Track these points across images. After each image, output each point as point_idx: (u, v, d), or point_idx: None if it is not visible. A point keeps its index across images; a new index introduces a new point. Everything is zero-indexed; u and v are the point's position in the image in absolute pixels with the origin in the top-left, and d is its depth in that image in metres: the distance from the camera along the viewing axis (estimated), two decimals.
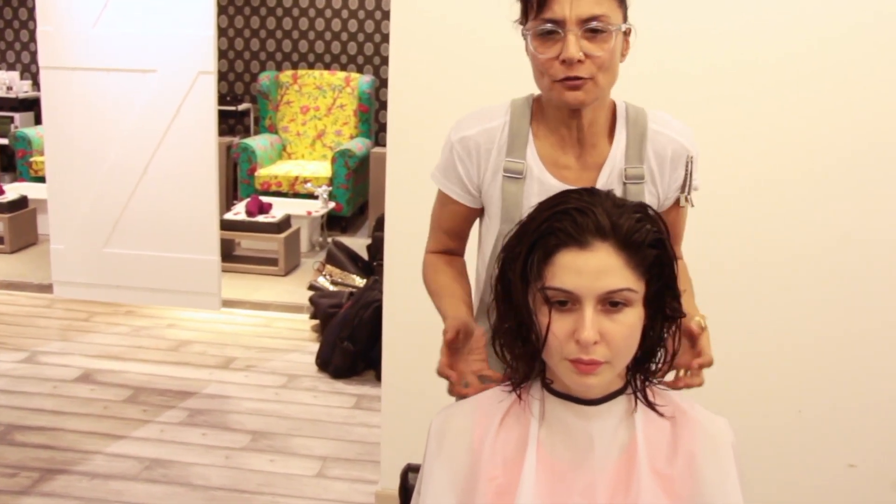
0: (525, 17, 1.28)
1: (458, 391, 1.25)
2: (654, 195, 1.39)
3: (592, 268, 1.00)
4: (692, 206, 1.43)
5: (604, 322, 1.01)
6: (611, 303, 1.01)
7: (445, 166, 1.44)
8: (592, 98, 1.27)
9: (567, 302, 1.01)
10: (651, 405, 1.09)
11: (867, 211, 2.17)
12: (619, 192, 1.33)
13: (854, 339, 2.25)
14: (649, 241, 1.03)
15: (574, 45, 1.21)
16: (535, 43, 1.25)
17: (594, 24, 1.21)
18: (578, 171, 1.36)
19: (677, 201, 1.42)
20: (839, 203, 2.17)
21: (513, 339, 1.10)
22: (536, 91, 1.39)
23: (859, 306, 2.23)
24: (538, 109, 1.38)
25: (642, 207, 1.06)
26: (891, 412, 2.29)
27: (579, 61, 1.22)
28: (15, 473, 2.73)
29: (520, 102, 1.40)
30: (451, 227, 1.49)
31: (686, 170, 1.37)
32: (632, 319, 1.02)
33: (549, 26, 1.22)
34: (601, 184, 1.35)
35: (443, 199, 1.49)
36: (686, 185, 1.39)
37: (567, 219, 1.02)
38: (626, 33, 1.28)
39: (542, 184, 1.34)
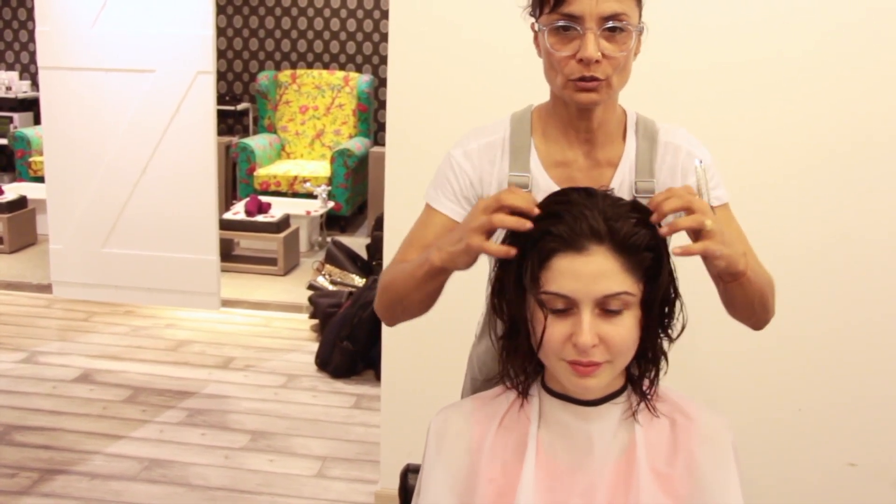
0: (539, 10, 1.21)
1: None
2: None
3: (589, 272, 0.99)
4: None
5: (602, 325, 1.00)
6: (609, 306, 1.00)
7: (441, 181, 1.35)
8: (605, 99, 1.23)
9: (565, 306, 1.01)
10: (649, 406, 1.09)
11: (867, 208, 2.17)
12: None
13: (854, 337, 2.25)
14: (646, 244, 1.02)
15: (593, 44, 1.16)
16: (550, 39, 1.19)
17: (614, 22, 1.16)
18: (587, 169, 1.31)
19: None
20: (839, 200, 2.17)
21: (511, 342, 1.10)
22: (533, 95, 1.37)
23: (859, 304, 2.23)
24: (541, 116, 1.34)
25: (639, 209, 1.05)
26: (891, 411, 2.29)
27: (597, 61, 1.17)
28: (14, 474, 2.73)
29: (518, 115, 1.35)
30: (433, 242, 1.33)
31: (696, 176, 1.27)
32: (630, 322, 1.02)
33: (566, 22, 1.17)
34: None
35: (427, 217, 1.36)
36: (702, 194, 1.27)
37: (562, 223, 1.01)
38: (639, 32, 1.23)
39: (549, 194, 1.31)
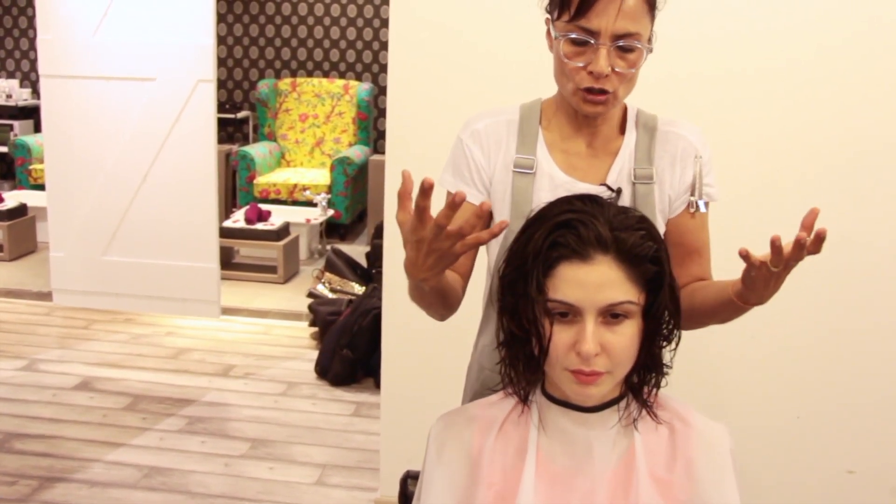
0: (558, 13, 1.26)
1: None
2: (664, 196, 1.38)
3: (594, 281, 1.00)
4: (701, 210, 1.38)
5: (604, 334, 1.01)
6: (611, 314, 1.01)
7: (455, 164, 1.42)
8: (610, 109, 1.30)
9: (568, 313, 1.02)
10: (650, 412, 1.10)
11: (867, 214, 2.18)
12: (627, 193, 1.33)
13: (853, 344, 2.25)
14: (650, 256, 1.03)
15: (605, 59, 1.22)
16: (565, 48, 1.25)
17: (626, 42, 1.21)
18: (589, 160, 1.37)
19: (689, 206, 1.38)
20: (838, 206, 2.18)
21: (515, 349, 1.11)
22: (537, 97, 1.40)
23: (858, 311, 2.23)
24: (549, 108, 1.40)
25: (644, 222, 1.06)
26: (889, 417, 2.29)
27: (606, 75, 1.23)
28: (14, 482, 2.73)
29: (528, 105, 1.41)
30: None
31: (694, 169, 1.37)
32: (631, 330, 1.03)
33: (582, 35, 1.22)
34: (611, 181, 1.34)
35: None
36: (695, 188, 1.38)
37: (569, 231, 1.02)
38: (649, 51, 1.28)
39: (552, 179, 1.35)
